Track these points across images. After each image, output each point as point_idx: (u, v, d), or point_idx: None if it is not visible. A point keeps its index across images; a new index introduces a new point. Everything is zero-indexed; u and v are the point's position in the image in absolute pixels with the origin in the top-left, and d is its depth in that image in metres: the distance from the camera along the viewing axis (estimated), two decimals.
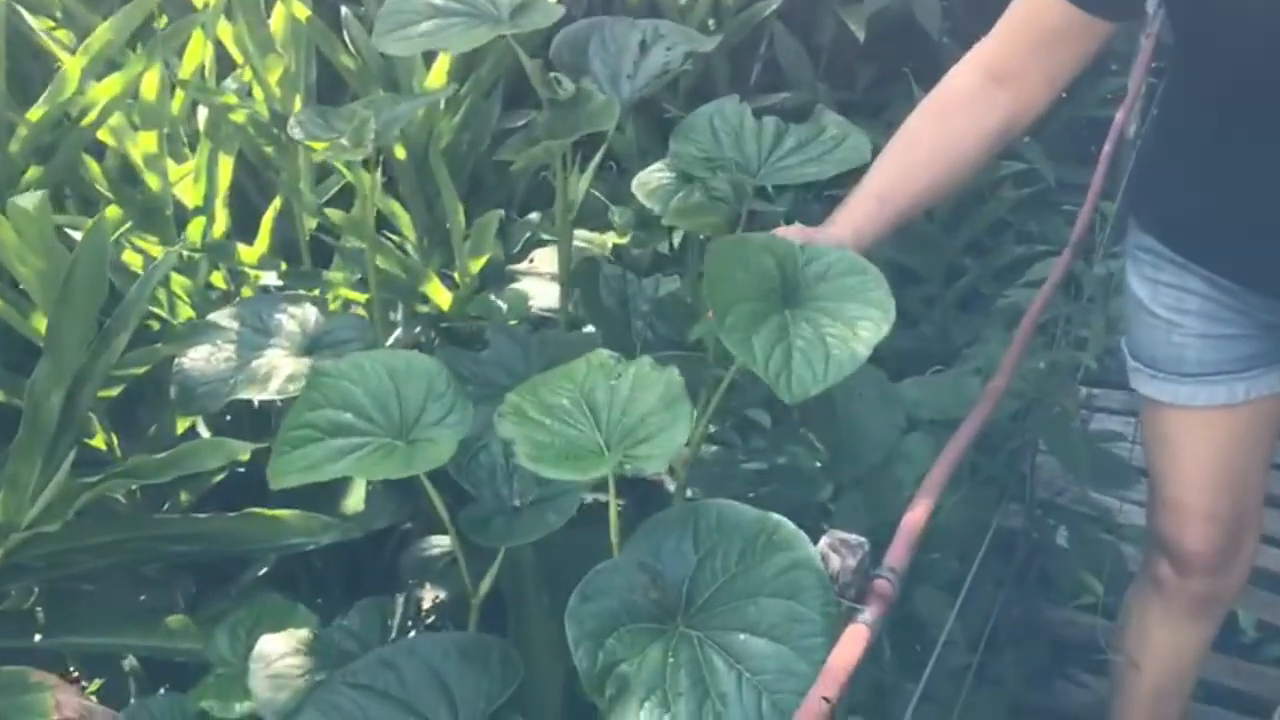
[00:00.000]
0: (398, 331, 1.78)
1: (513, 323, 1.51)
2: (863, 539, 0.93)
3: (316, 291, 1.74)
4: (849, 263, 1.16)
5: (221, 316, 1.39)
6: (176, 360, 1.35)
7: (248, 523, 1.23)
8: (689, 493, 1.48)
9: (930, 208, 1.33)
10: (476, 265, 1.57)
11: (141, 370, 1.41)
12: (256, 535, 1.23)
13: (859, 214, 1.30)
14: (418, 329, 1.72)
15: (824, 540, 0.93)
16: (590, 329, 1.38)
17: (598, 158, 1.41)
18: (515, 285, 1.53)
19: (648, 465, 0.94)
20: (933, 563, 1.76)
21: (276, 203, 1.82)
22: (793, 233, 1.27)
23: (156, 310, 1.76)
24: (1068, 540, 1.86)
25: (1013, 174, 2.46)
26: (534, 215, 1.92)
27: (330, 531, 1.25)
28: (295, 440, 1.06)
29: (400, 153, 1.71)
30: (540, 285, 1.55)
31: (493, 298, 1.53)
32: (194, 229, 1.77)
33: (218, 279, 1.87)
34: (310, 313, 1.41)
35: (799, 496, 1.58)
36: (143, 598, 1.39)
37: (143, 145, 1.66)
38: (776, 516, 0.97)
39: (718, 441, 1.71)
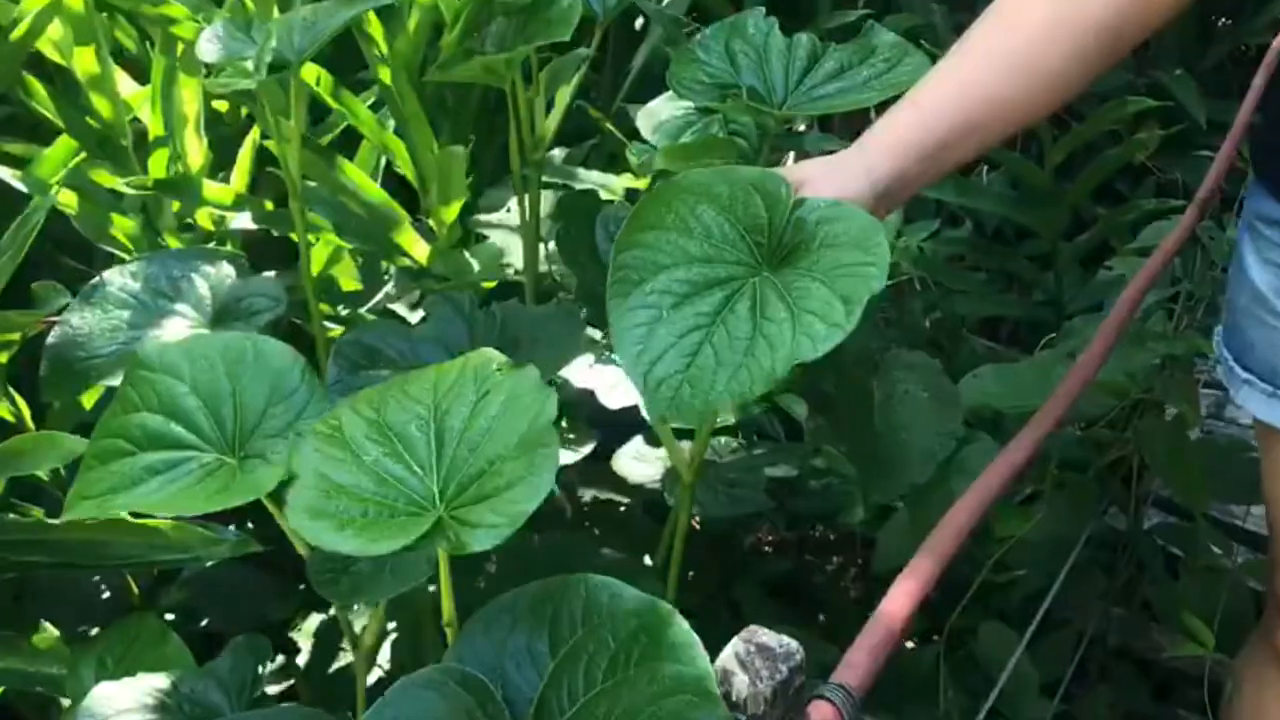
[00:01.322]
0: (387, 287, 1.52)
1: (488, 284, 1.24)
2: (793, 645, 0.63)
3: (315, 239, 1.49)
4: (845, 210, 0.87)
5: (117, 275, 1.15)
6: (55, 328, 1.11)
7: (110, 532, 0.99)
8: (695, 513, 1.19)
9: (997, 142, 0.97)
10: (449, 213, 1.29)
11: (15, 335, 1.17)
12: (119, 548, 0.99)
13: (885, 143, 0.95)
14: (407, 286, 1.46)
15: (735, 644, 0.64)
16: (557, 302, 1.09)
17: (576, 79, 1.11)
18: (490, 239, 1.25)
19: (477, 538, 0.65)
20: (1007, 586, 1.44)
21: (254, 133, 1.57)
22: (808, 170, 0.95)
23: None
24: (1179, 567, 1.52)
25: (1154, 111, 2.06)
26: (556, 151, 1.63)
27: (215, 547, 1.00)
28: (103, 453, 0.81)
29: (385, 76, 1.43)
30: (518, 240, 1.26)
31: (466, 254, 1.25)
32: (155, 162, 1.53)
33: (205, 221, 1.64)
34: (225, 273, 1.15)
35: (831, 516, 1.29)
36: None
37: (80, 64, 1.42)
38: (665, 607, 0.68)
39: (745, 430, 1.41)
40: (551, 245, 1.20)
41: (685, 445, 1.34)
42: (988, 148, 0.98)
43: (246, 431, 0.80)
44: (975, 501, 0.83)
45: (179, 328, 1.11)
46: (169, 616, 1.55)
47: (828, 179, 0.91)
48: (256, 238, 1.72)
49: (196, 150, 1.58)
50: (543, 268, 1.22)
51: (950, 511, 0.83)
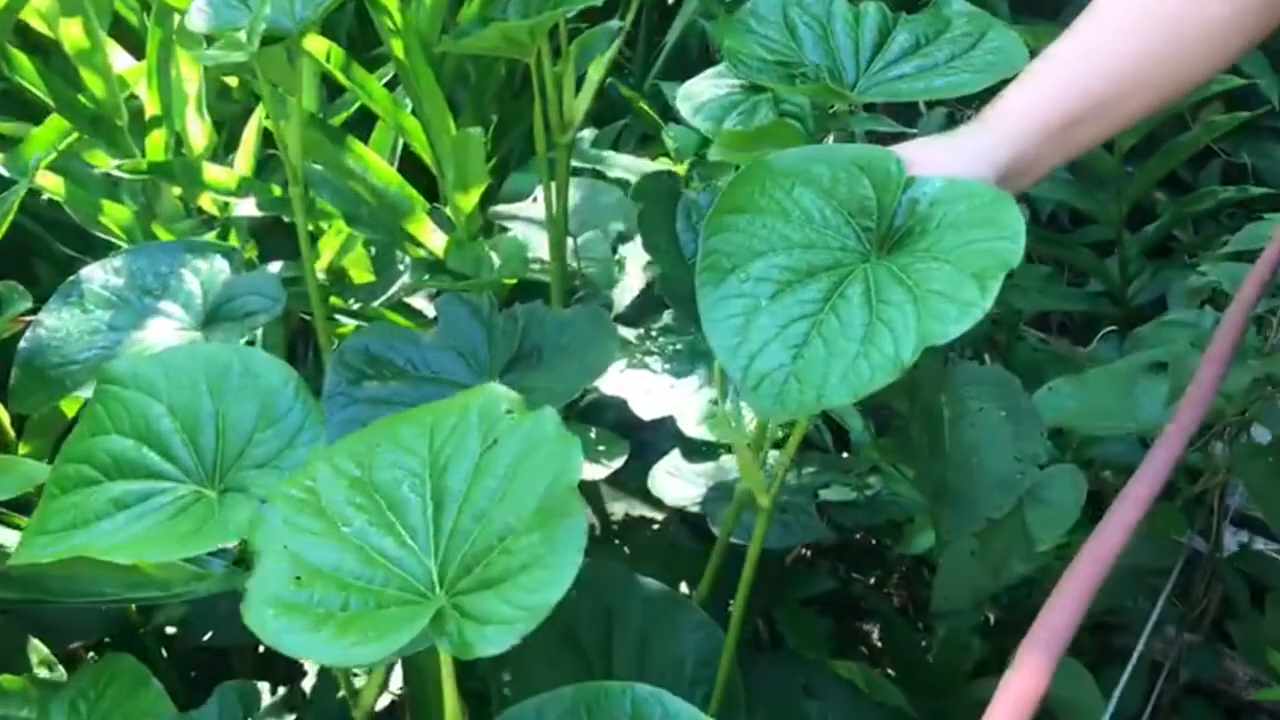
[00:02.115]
0: (403, 278, 1.41)
1: (510, 281, 1.12)
2: None
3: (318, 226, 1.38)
4: (966, 186, 0.77)
5: (98, 270, 1.03)
6: (28, 330, 1.00)
7: (84, 565, 0.88)
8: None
9: (1141, 117, 0.85)
10: (467, 201, 1.17)
11: None
12: (93, 585, 0.88)
13: (1006, 123, 0.84)
14: (424, 278, 1.34)
15: None
16: (580, 305, 0.97)
17: (610, 53, 0.99)
18: (512, 232, 1.13)
19: (486, 637, 0.53)
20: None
21: (260, 112, 1.45)
22: (919, 150, 0.83)
23: None
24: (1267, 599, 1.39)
25: (1224, 92, 1.91)
26: (586, 133, 1.51)
27: (200, 582, 0.89)
28: (65, 481, 0.69)
29: (397, 49, 1.31)
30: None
31: (486, 247, 1.14)
32: (153, 143, 1.42)
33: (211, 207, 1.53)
34: (218, 268, 1.04)
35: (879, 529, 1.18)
36: None
37: (67, 37, 1.31)
38: None
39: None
40: (580, 239, 1.09)
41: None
42: (1128, 124, 0.85)
43: (229, 459, 0.69)
44: (1091, 570, 0.71)
45: (165, 330, 0.99)
46: (169, 630, 1.45)
47: (940, 162, 0.79)
48: (267, 225, 1.61)
49: (199, 130, 1.47)
50: (571, 264, 1.10)
51: (1063, 584, 0.70)
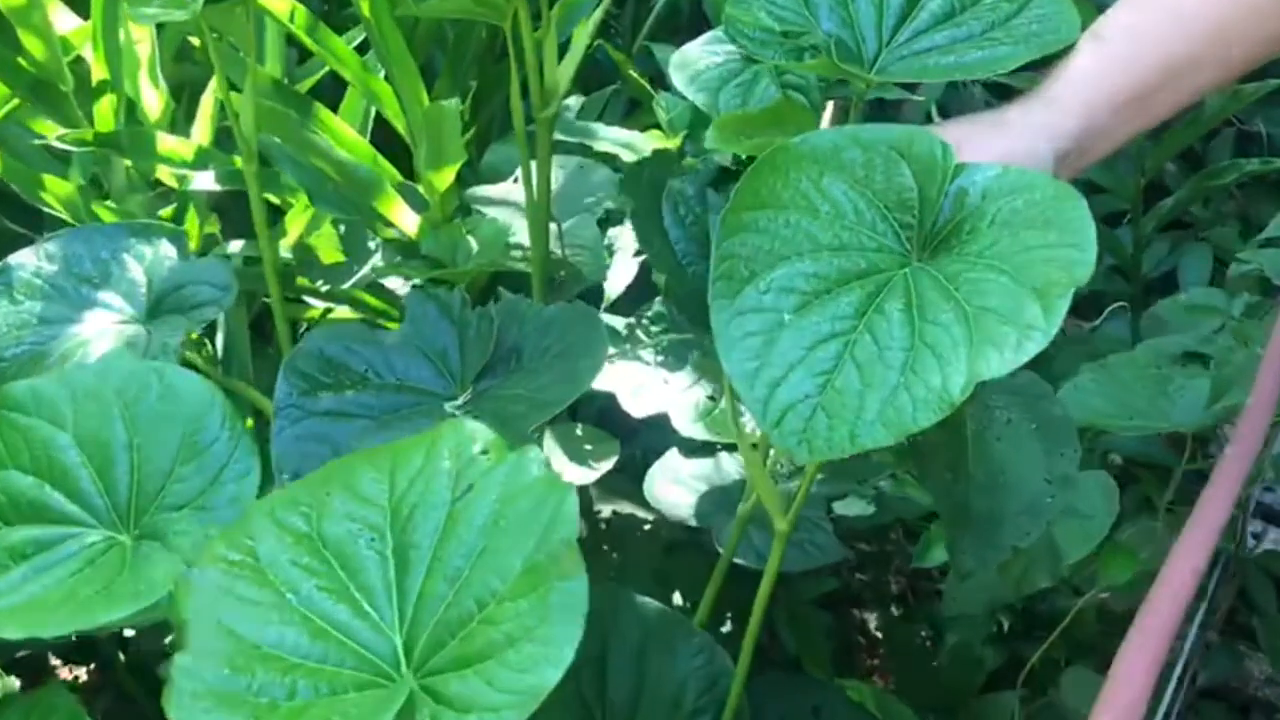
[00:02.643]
0: (374, 259, 1.30)
1: (488, 270, 1.01)
2: None
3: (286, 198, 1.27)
4: (1025, 176, 0.67)
5: (29, 256, 0.93)
6: None
7: None
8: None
9: (1222, 83, 0.76)
10: (441, 179, 1.07)
11: None
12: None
13: (1068, 92, 0.74)
14: (395, 262, 1.23)
15: None
16: (567, 302, 0.86)
17: (596, 14, 0.88)
18: (493, 214, 1.02)
19: None
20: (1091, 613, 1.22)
21: (216, 81, 1.34)
22: (965, 130, 0.74)
23: None
24: None
25: None
26: (571, 100, 1.40)
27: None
28: None
29: (365, 8, 1.20)
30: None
31: (464, 231, 1.03)
32: (101, 111, 1.31)
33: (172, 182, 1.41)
34: (164, 254, 0.93)
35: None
36: None
37: None
38: None
39: None
40: (566, 223, 0.98)
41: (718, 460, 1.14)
42: (1207, 91, 0.76)
43: (146, 499, 0.59)
44: (1162, 622, 0.61)
45: (104, 323, 0.89)
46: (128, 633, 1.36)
47: (991, 141, 0.70)
48: (233, 198, 1.50)
49: (153, 97, 1.35)
50: (555, 251, 0.99)
51: (1131, 641, 0.61)
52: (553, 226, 0.96)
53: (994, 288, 0.61)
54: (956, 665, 1.26)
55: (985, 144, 0.70)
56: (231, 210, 1.50)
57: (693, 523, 1.03)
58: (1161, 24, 0.74)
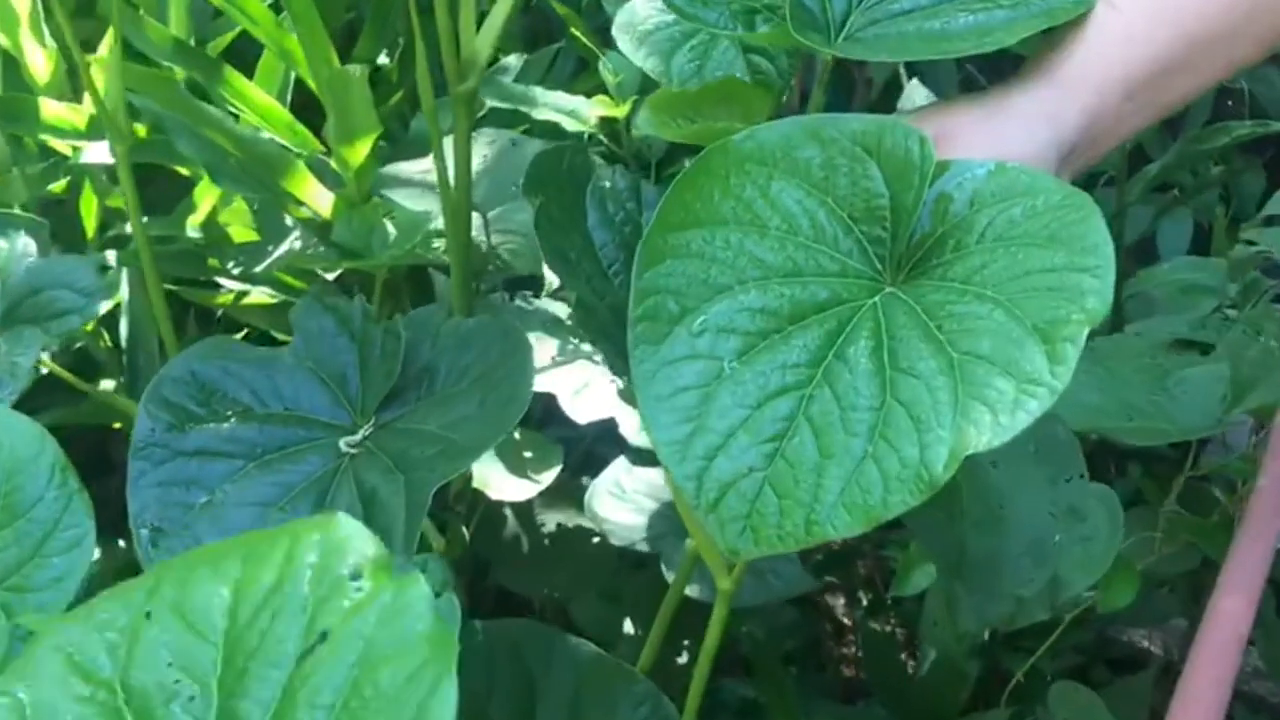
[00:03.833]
0: (291, 237, 1.17)
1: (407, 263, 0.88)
2: None
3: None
4: (1023, 177, 0.55)
5: None
6: None
7: None
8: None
9: (1256, 59, 0.63)
10: (353, 154, 0.93)
11: None
12: None
13: (1077, 72, 0.62)
14: (309, 245, 1.10)
15: None
16: (492, 294, 0.73)
17: None
18: (407, 197, 0.89)
19: None
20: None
21: (110, 40, 1.19)
22: (917, 118, 0.61)
23: None
24: None
25: None
26: (511, 59, 1.26)
27: None
28: None
29: None
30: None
31: (381, 216, 0.90)
32: None
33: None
34: (22, 250, 0.80)
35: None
36: None
37: None
38: None
39: None
40: (491, 214, 0.85)
41: None
42: (1238, 69, 0.64)
43: None
44: (1217, 664, 0.51)
45: None
46: None
47: (984, 136, 0.57)
48: (150, 170, 1.36)
49: (40, 57, 1.20)
50: (483, 239, 0.86)
51: (1185, 686, 0.50)
52: (477, 216, 0.83)
53: (986, 326, 0.49)
54: (937, 678, 1.16)
55: (976, 135, 0.58)
56: (149, 184, 1.36)
57: (641, 546, 0.91)
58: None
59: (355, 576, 0.37)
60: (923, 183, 0.53)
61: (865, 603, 1.45)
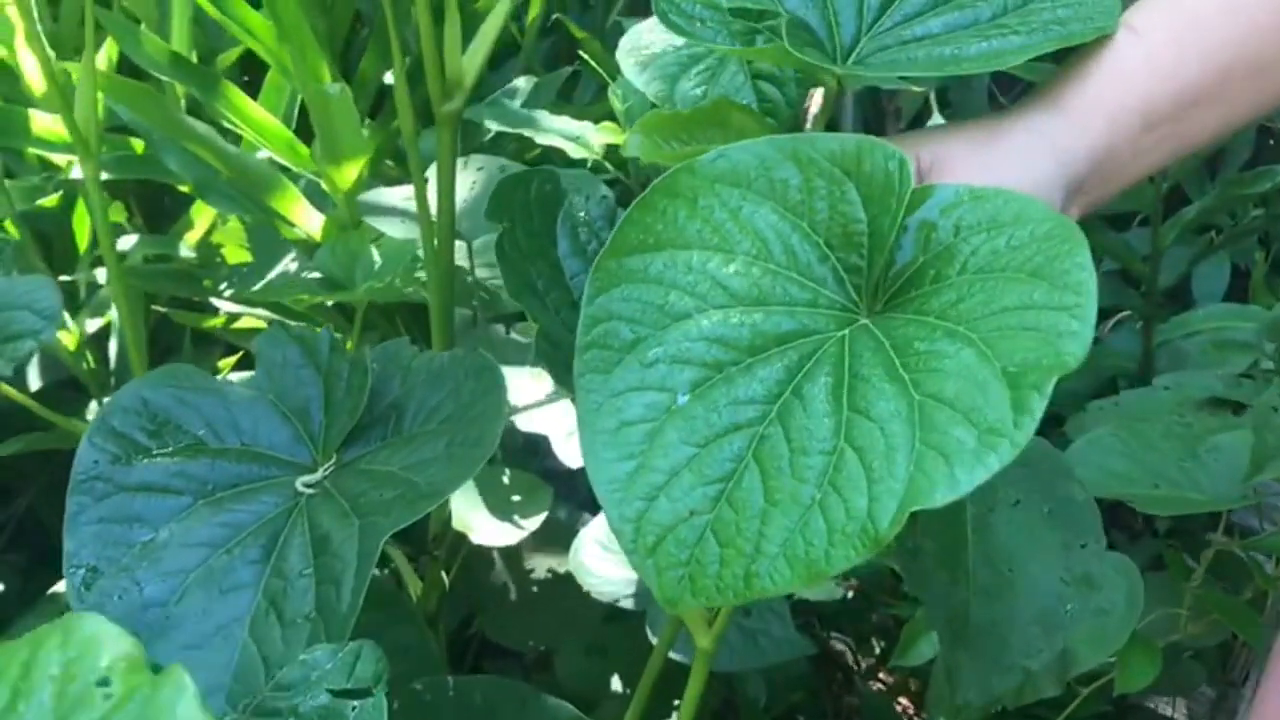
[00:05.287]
0: (287, 259, 1.13)
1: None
2: None
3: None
4: (1012, 205, 0.50)
5: None
6: None
7: None
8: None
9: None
10: (341, 176, 0.89)
11: None
12: None
13: (1087, 100, 0.57)
14: (304, 268, 1.06)
15: None
16: (473, 324, 0.69)
17: None
18: (388, 226, 0.84)
19: None
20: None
21: (108, 48, 1.16)
22: (913, 141, 0.57)
23: None
24: None
25: None
26: (521, 81, 1.22)
27: None
28: None
29: None
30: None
31: (368, 243, 0.85)
32: None
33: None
34: None
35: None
36: None
37: None
38: None
39: None
40: (477, 243, 0.81)
41: None
42: (1273, 104, 0.59)
43: None
44: None
45: None
46: None
47: (978, 161, 0.54)
48: (142, 190, 1.32)
49: (36, 67, 1.17)
50: (468, 269, 0.82)
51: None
52: (460, 245, 0.78)
53: (952, 366, 0.45)
54: None
55: (970, 164, 0.54)
56: (152, 200, 1.33)
57: (626, 603, 0.86)
58: (1219, 13, 0.57)
59: (104, 682, 0.32)
60: (899, 207, 0.49)
61: (878, 651, 1.39)
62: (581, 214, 0.63)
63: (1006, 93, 1.85)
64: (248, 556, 0.58)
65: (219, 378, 0.66)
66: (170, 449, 0.61)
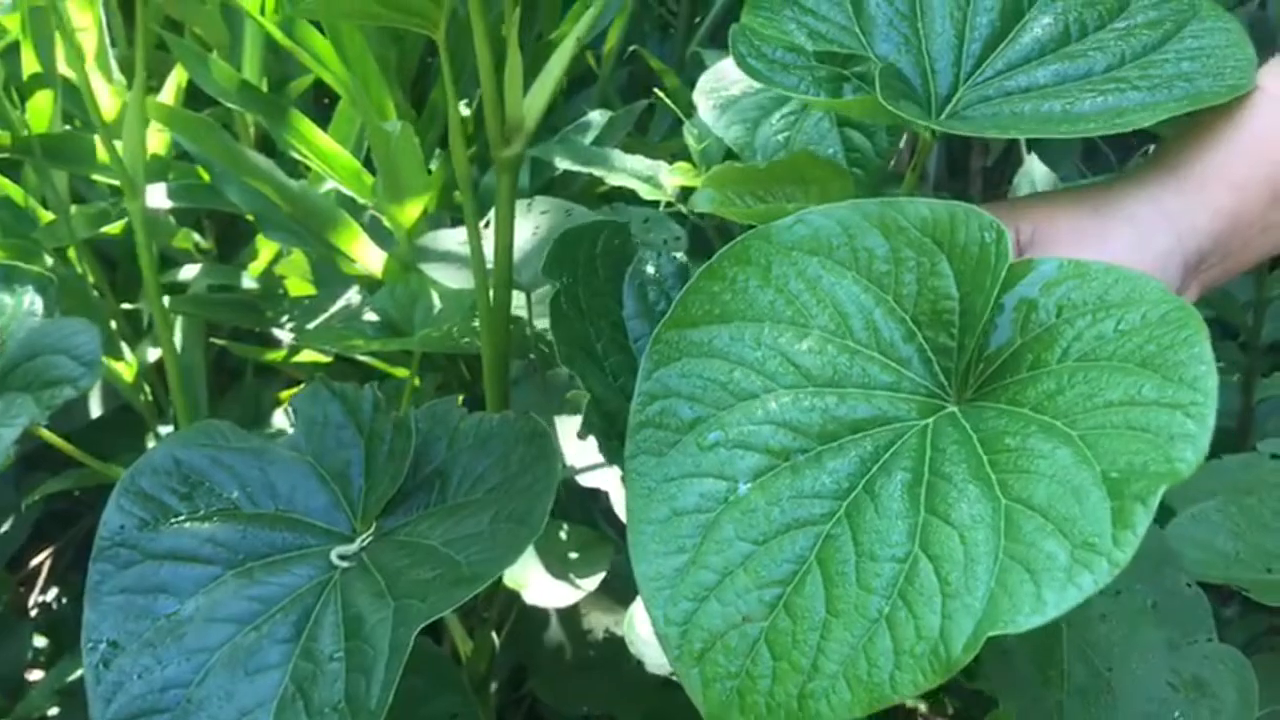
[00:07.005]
0: (349, 294, 1.09)
1: (462, 332, 0.79)
2: None
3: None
4: (1123, 284, 0.45)
5: None
6: None
7: None
8: None
9: None
10: (403, 214, 0.85)
11: None
12: None
13: (1210, 169, 0.52)
14: (366, 304, 1.02)
15: None
16: (514, 406, 0.64)
17: (587, 19, 0.67)
18: (441, 273, 0.80)
19: None
20: None
21: (177, 75, 1.14)
22: (1011, 211, 0.52)
23: None
24: None
25: None
26: (595, 115, 1.18)
27: None
28: None
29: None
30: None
31: (429, 287, 0.81)
32: (36, 110, 1.11)
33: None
34: (28, 307, 0.73)
35: None
36: None
37: None
38: None
39: None
40: (537, 293, 0.76)
41: None
42: None
43: None
44: None
45: None
46: None
47: (1089, 234, 0.49)
48: (215, 215, 1.30)
49: (105, 91, 1.16)
50: (525, 319, 0.77)
51: None
52: (518, 295, 0.74)
53: (1046, 467, 0.40)
54: None
55: (1078, 238, 0.48)
56: (232, 228, 1.31)
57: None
58: None
59: None
60: (994, 285, 0.44)
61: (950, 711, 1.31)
62: (651, 270, 0.58)
63: (1107, 139, 1.77)
64: (276, 635, 0.54)
65: (276, 419, 0.62)
66: (202, 512, 0.57)
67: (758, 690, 0.40)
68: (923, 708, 1.29)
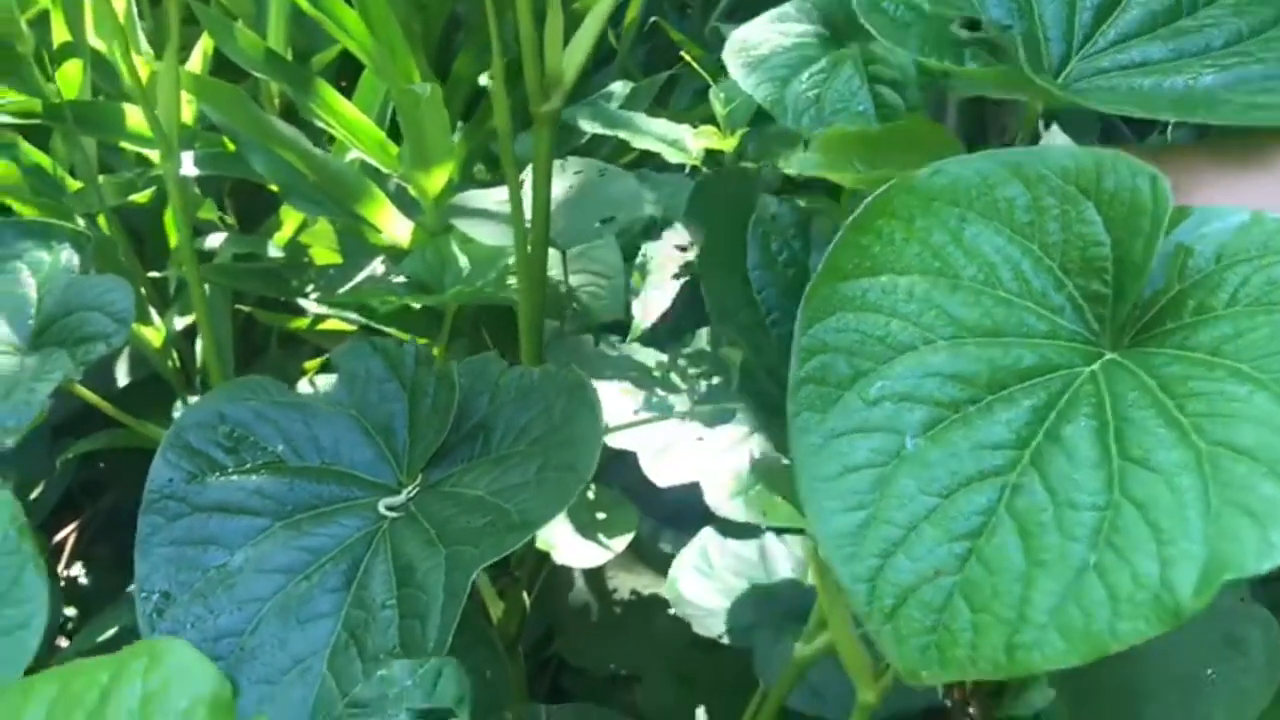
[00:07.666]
0: (374, 263, 1.10)
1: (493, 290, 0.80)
2: None
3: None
4: None
5: None
6: None
7: None
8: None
9: None
10: (430, 181, 0.86)
11: None
12: None
13: None
14: (383, 272, 1.03)
15: None
16: (567, 337, 0.65)
17: None
18: (479, 230, 0.80)
19: None
20: None
21: (204, 42, 1.14)
22: (1185, 162, 0.52)
23: None
24: None
25: None
26: (618, 85, 1.18)
27: None
28: None
29: None
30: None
31: (455, 249, 0.82)
32: (66, 78, 1.12)
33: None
34: (64, 263, 0.74)
35: None
36: None
37: None
38: None
39: None
40: (572, 251, 0.77)
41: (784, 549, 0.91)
42: None
43: None
44: None
45: None
46: None
47: (1237, 186, 0.48)
48: (239, 186, 1.31)
49: (136, 61, 1.16)
50: (560, 279, 0.78)
51: None
52: (553, 253, 0.74)
53: (1246, 411, 0.39)
54: None
55: (1225, 191, 0.48)
56: (251, 199, 1.32)
57: (726, 639, 0.81)
58: None
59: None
60: (1155, 229, 0.43)
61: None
62: (771, 216, 0.58)
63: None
64: (327, 584, 0.55)
65: (301, 388, 0.62)
66: (248, 466, 0.58)
67: (959, 644, 0.39)
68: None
